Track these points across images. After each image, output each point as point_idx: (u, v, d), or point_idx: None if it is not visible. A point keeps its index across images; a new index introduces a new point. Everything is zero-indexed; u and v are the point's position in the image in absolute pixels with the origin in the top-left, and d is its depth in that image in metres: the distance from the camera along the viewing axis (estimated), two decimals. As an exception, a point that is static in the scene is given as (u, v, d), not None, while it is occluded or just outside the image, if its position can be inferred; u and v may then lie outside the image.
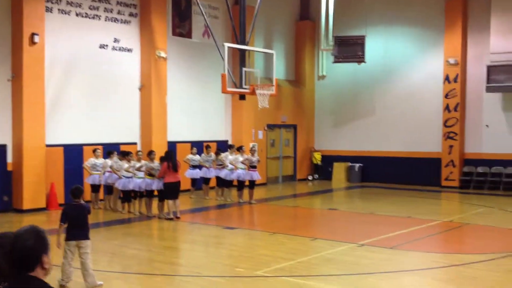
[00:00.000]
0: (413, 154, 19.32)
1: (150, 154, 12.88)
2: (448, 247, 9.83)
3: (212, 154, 15.87)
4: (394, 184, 19.16)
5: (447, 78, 18.30)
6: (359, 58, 19.13)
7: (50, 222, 12.39)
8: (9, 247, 2.60)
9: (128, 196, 13.10)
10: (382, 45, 20.06)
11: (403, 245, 9.43)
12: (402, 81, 19.69)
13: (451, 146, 18.28)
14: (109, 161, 13.56)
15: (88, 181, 13.81)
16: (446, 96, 18.34)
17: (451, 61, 18.09)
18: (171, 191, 12.19)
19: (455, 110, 18.18)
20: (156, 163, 12.70)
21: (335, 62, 19.59)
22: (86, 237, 6.98)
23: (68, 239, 6.93)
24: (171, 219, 12.16)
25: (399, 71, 19.77)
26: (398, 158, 19.63)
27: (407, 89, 19.53)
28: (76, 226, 6.95)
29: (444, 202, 16.39)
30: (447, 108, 18.35)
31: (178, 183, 12.33)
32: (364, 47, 18.99)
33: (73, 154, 14.45)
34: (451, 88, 18.22)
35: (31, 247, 2.54)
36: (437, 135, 18.65)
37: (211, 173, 15.67)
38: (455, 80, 18.14)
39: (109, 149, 14.11)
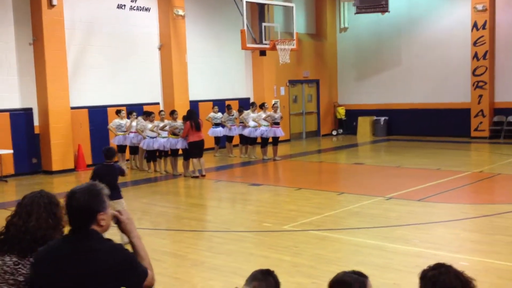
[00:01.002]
0: (440, 105, 18.89)
1: (173, 114, 12.88)
2: (478, 198, 9.68)
3: (235, 112, 15.80)
4: (421, 136, 18.86)
5: (475, 25, 17.63)
6: (383, 7, 18.48)
7: (79, 183, 12.61)
8: (64, 204, 2.64)
9: (153, 155, 13.21)
10: (406, -7, 19.36)
11: (431, 197, 9.32)
12: (428, 30, 19.07)
13: (480, 96, 17.78)
14: (133, 122, 13.68)
15: (114, 141, 13.93)
16: (475, 43, 17.71)
17: (479, 7, 17.38)
18: (195, 149, 12.24)
19: (484, 58, 17.58)
20: (179, 122, 12.72)
21: (357, 13, 18.98)
22: (118, 197, 7.09)
23: None
24: (196, 177, 12.25)
25: (424, 19, 19.12)
26: (425, 109, 19.23)
27: (433, 38, 18.92)
28: (107, 187, 7.04)
29: (474, 153, 16.08)
30: (475, 56, 17.75)
31: (202, 142, 12.35)
32: (388, -5, 18.34)
33: (97, 116, 14.56)
34: (479, 36, 17.58)
35: (85, 205, 2.57)
36: (466, 85, 18.15)
37: (234, 131, 15.64)
38: (483, 27, 17.47)
39: (130, 110, 14.23)
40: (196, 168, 12.32)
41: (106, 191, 2.68)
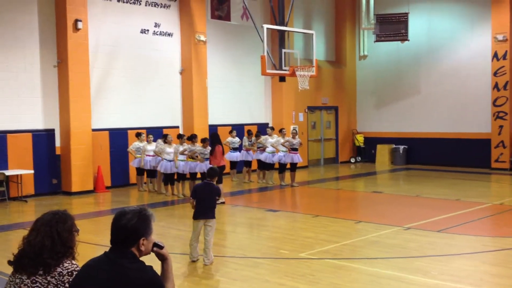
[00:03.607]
0: (460, 135, 18.74)
1: (192, 138, 12.98)
2: (498, 231, 9.51)
3: (253, 138, 15.85)
4: (440, 166, 18.68)
5: (495, 55, 17.58)
6: (402, 36, 18.59)
7: (98, 204, 12.73)
8: (112, 222, 2.70)
9: (171, 178, 13.27)
10: (426, 22, 19.44)
11: (451, 228, 9.19)
12: (448, 59, 19.06)
13: (501, 126, 17.61)
14: (148, 145, 13.80)
15: (133, 164, 14.07)
16: (495, 74, 17.63)
17: (499, 37, 17.36)
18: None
19: (505, 88, 17.47)
20: (198, 147, 12.80)
21: (377, 41, 19.12)
22: (210, 216, 7.25)
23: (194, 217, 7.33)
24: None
25: (444, 49, 19.13)
26: (444, 139, 19.08)
27: (453, 67, 18.89)
28: (201, 203, 7.25)
29: (494, 185, 15.84)
30: (496, 86, 17.65)
31: (223, 168, 12.35)
32: (407, 24, 18.45)
33: (118, 138, 14.74)
34: (500, 66, 17.51)
35: (132, 227, 2.64)
36: (486, 115, 18.01)
37: (252, 156, 15.67)
38: (504, 57, 17.42)
39: (149, 133, 14.39)
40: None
41: (154, 218, 2.74)
